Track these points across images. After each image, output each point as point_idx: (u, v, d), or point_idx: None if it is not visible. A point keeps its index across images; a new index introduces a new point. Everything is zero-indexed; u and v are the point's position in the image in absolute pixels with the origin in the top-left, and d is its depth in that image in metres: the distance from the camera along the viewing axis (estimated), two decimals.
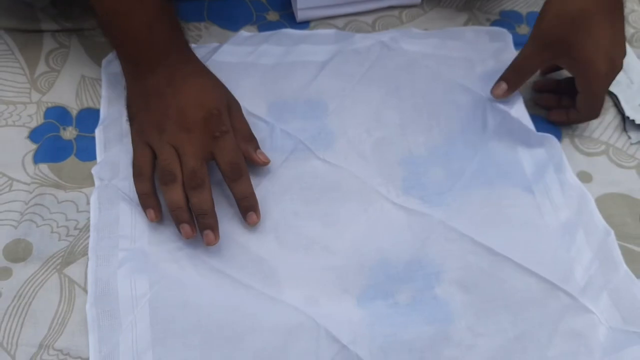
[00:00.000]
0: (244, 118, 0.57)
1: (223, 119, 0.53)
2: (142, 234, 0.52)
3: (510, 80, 0.60)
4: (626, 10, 0.70)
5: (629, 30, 0.70)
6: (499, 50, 0.68)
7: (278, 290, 0.50)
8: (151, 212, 0.52)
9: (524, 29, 0.71)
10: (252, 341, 0.47)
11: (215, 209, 0.51)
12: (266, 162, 0.55)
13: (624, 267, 0.52)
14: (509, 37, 0.69)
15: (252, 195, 0.53)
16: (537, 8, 0.64)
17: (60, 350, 0.47)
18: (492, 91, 0.61)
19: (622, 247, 0.53)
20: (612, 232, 0.53)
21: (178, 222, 0.50)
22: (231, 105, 0.56)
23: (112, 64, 0.63)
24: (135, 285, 0.49)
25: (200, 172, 0.51)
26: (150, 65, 0.54)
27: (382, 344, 0.47)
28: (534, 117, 0.62)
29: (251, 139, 0.56)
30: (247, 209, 0.53)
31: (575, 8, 0.55)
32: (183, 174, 0.51)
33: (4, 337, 0.47)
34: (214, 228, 0.50)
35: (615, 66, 0.56)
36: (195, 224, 0.51)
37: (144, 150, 0.53)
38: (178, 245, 0.52)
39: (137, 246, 0.51)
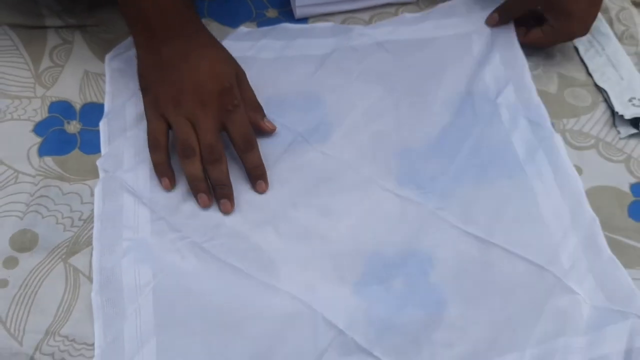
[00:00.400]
0: (251, 88, 0.59)
1: (234, 92, 0.56)
2: (145, 225, 0.54)
3: (501, 15, 0.69)
4: (617, 8, 0.72)
5: (619, 28, 0.71)
6: None
7: (276, 279, 0.51)
8: (166, 180, 0.55)
9: None
10: (252, 328, 0.49)
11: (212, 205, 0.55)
12: (273, 129, 0.59)
13: (608, 252, 0.53)
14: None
15: (262, 164, 0.57)
16: None
17: (66, 337, 0.48)
18: (486, 21, 0.70)
19: (610, 239, 0.54)
20: (597, 219, 0.55)
21: (196, 192, 0.55)
22: (239, 76, 0.58)
23: (115, 60, 0.64)
24: (139, 274, 0.51)
25: (218, 146, 0.54)
26: (166, 34, 0.56)
27: (377, 328, 0.49)
28: None
29: (259, 109, 0.59)
30: (257, 178, 0.56)
31: None
32: (200, 148, 0.54)
33: (11, 324, 0.48)
34: (230, 197, 0.55)
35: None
36: (211, 194, 0.55)
37: (159, 121, 0.55)
38: (179, 236, 0.53)
39: (140, 236, 0.53)
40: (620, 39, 0.70)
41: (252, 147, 0.56)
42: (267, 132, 0.59)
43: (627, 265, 0.53)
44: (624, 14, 0.72)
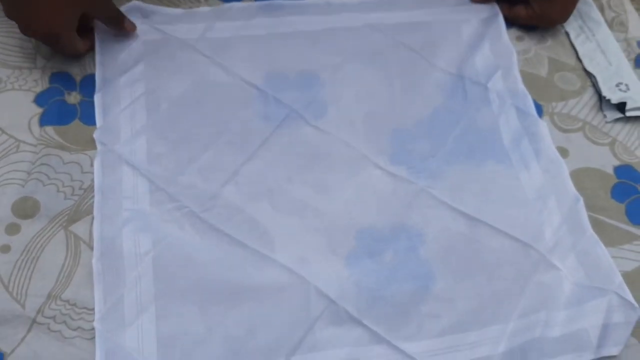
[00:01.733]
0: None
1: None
2: (144, 195, 0.55)
3: None
4: None
5: (610, 15, 0.73)
6: (479, 9, 0.71)
7: (271, 250, 0.53)
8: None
9: None
10: (247, 298, 0.51)
11: (206, 179, 0.56)
12: (133, 29, 0.64)
13: (590, 231, 0.56)
14: None
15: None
16: None
17: (67, 301, 0.50)
18: None
19: (593, 218, 0.57)
20: (581, 199, 0.57)
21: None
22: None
23: (104, 30, 0.64)
24: (139, 243, 0.52)
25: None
26: None
27: (367, 299, 0.51)
28: None
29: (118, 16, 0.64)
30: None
31: None
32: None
33: (13, 287, 0.50)
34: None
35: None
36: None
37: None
38: (177, 205, 0.54)
39: (139, 207, 0.54)
40: (610, 25, 0.72)
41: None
42: (127, 30, 0.63)
43: (608, 243, 0.55)
44: (614, 1, 0.74)
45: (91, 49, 0.63)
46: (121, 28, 0.63)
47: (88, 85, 0.62)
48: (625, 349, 0.50)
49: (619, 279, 0.53)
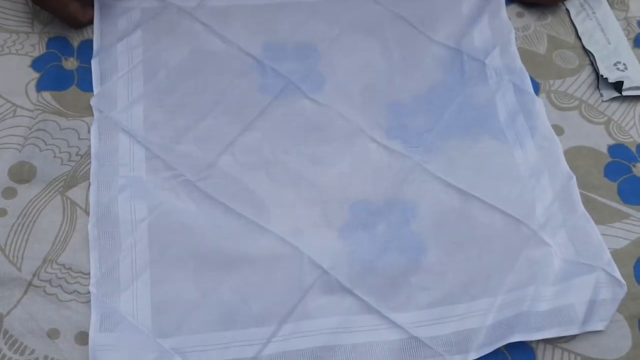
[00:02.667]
0: None
1: None
2: (140, 163, 0.55)
3: None
4: None
5: None
6: None
7: (266, 220, 0.53)
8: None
9: None
10: (241, 267, 0.51)
11: (203, 148, 0.56)
12: None
13: (582, 208, 0.56)
14: None
15: None
16: None
17: (63, 265, 0.50)
18: None
19: (585, 196, 0.57)
20: (574, 177, 0.58)
21: None
22: None
23: None
24: (135, 209, 0.53)
25: None
26: None
27: (359, 270, 0.51)
28: None
29: None
30: None
31: None
32: None
33: (10, 251, 0.50)
34: None
35: None
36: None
37: None
38: (173, 174, 0.55)
39: (135, 174, 0.55)
40: (611, 4, 0.71)
41: None
42: None
43: (598, 221, 0.56)
44: None
45: (92, 20, 0.63)
46: None
47: (86, 51, 0.61)
48: (611, 323, 0.51)
49: (608, 256, 0.53)
